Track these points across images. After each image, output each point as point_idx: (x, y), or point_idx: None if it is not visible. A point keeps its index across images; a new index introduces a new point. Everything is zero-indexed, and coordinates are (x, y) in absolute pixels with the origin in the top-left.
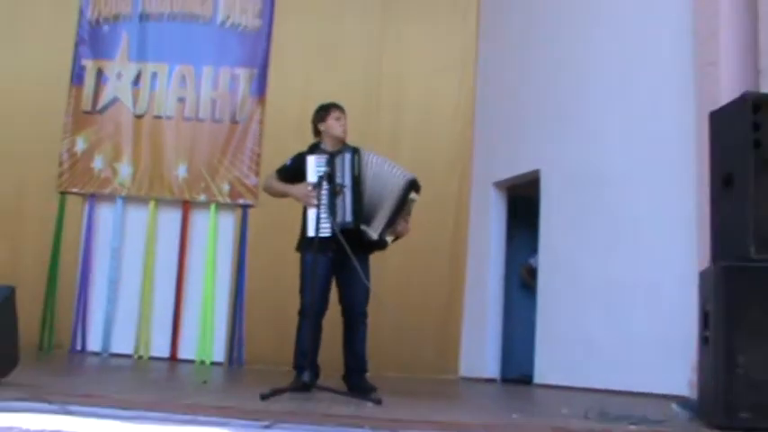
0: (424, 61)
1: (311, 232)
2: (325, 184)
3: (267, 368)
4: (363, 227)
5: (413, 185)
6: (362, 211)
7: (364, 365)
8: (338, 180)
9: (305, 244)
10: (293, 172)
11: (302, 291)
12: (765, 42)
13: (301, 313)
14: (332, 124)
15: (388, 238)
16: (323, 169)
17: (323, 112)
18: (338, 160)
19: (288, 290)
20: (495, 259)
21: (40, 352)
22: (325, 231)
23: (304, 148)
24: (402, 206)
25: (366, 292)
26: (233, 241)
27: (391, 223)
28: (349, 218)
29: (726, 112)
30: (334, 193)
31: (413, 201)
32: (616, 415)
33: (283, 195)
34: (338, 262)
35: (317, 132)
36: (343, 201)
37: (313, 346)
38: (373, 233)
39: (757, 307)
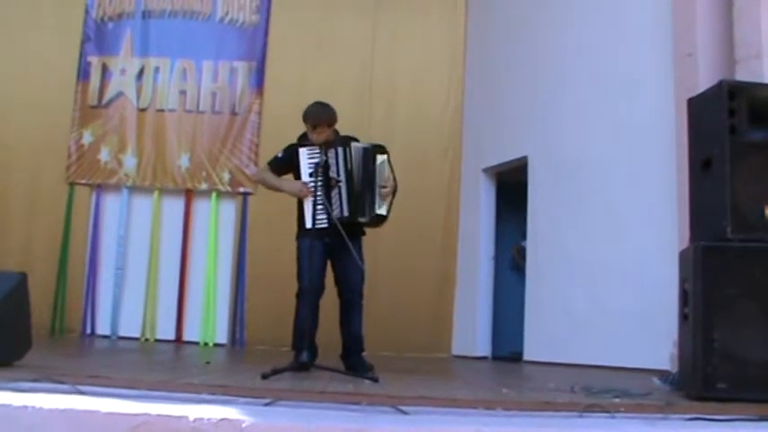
0: (415, 54)
1: (309, 224)
2: (319, 177)
3: (268, 349)
4: (360, 218)
5: (370, 152)
6: (358, 204)
7: (361, 345)
8: (332, 174)
9: (303, 232)
10: (286, 162)
11: (299, 275)
12: (740, 33)
13: (299, 296)
14: (311, 135)
15: (383, 210)
16: (315, 160)
17: (304, 121)
18: (331, 153)
19: (287, 274)
20: (485, 242)
21: (51, 335)
22: (322, 223)
23: (285, 147)
24: (373, 176)
25: (361, 275)
26: (234, 228)
27: (373, 198)
28: (346, 213)
29: (703, 99)
30: (329, 186)
31: (382, 163)
32: (600, 389)
33: (276, 190)
34: (334, 247)
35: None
36: (339, 195)
37: (311, 328)
38: (365, 218)
39: (733, 284)
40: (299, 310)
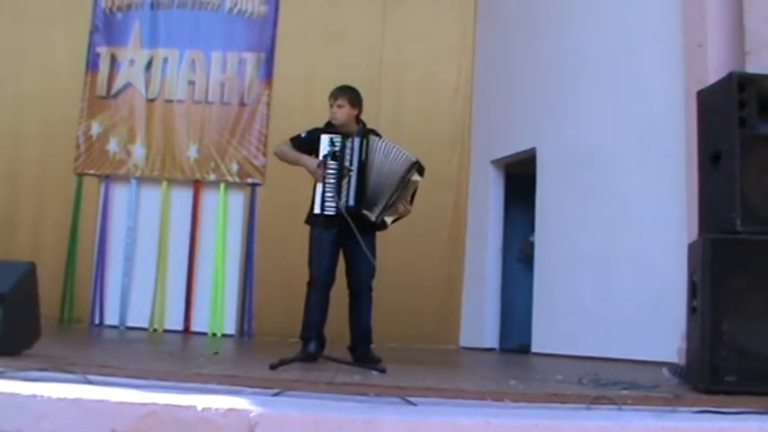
0: (424, 45)
1: (317, 209)
2: (332, 164)
3: (276, 339)
4: (365, 211)
5: (414, 167)
6: (366, 196)
7: (369, 336)
8: (346, 163)
9: (313, 218)
10: (306, 144)
11: (310, 263)
12: (751, 24)
13: (310, 284)
14: (331, 111)
15: (388, 219)
16: (329, 148)
17: (329, 99)
18: (348, 143)
19: (295, 265)
20: (494, 234)
21: (60, 325)
22: (330, 210)
23: (309, 128)
24: (402, 188)
25: (371, 267)
26: (242, 219)
27: (390, 205)
28: (352, 202)
29: (713, 91)
30: (341, 174)
31: (415, 182)
32: (608, 381)
33: (295, 163)
34: (345, 237)
35: None
36: (349, 183)
37: (320, 318)
38: (372, 215)
39: (742, 277)
40: (309, 300)
